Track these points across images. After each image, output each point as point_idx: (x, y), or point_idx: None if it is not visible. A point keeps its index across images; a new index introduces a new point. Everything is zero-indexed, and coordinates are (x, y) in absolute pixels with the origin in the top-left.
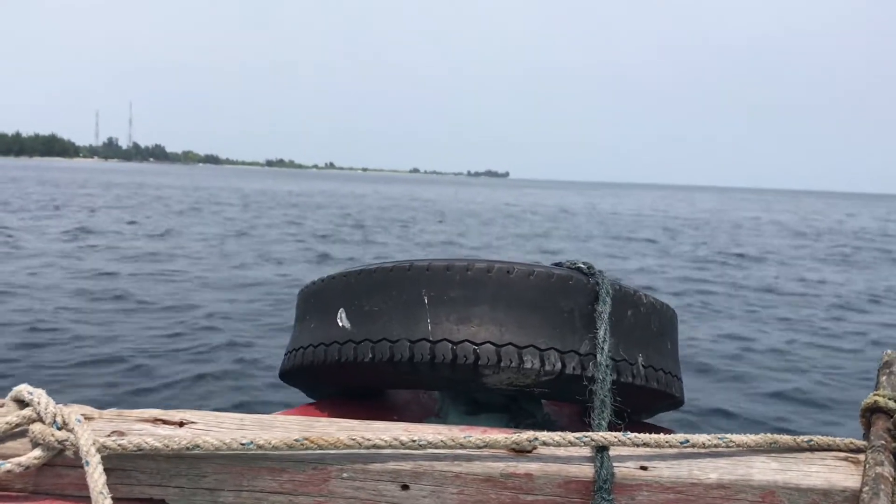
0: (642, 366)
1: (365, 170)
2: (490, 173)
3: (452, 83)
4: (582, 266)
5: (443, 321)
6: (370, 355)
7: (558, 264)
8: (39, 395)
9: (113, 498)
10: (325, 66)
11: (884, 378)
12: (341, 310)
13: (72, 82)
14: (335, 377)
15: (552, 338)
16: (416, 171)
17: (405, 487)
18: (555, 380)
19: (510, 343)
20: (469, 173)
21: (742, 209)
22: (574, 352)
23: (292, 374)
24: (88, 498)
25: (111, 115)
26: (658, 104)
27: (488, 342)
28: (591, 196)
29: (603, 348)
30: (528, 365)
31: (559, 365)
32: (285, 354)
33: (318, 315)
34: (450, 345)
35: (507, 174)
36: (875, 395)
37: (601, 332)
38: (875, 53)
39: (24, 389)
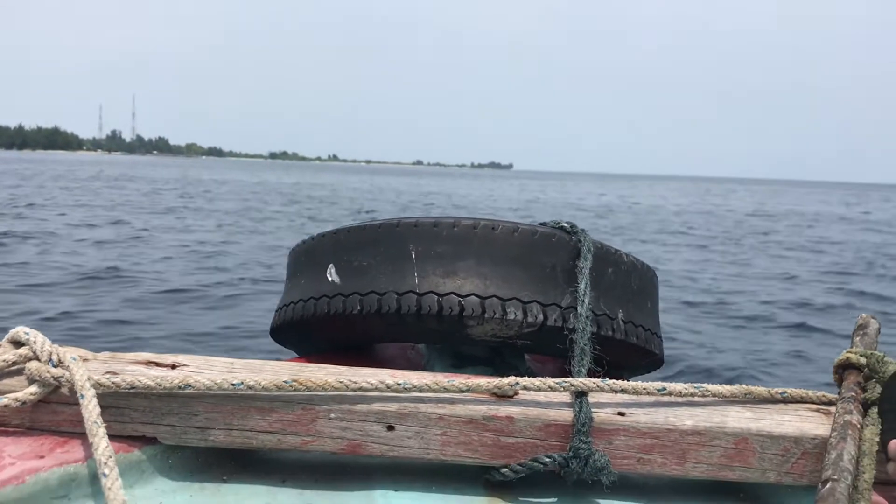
0: (622, 321)
1: (368, 162)
2: (494, 165)
3: (453, 75)
4: (565, 225)
5: (429, 275)
6: (359, 307)
7: (543, 224)
8: (35, 335)
9: (107, 435)
10: (327, 58)
11: (857, 338)
12: (331, 265)
13: (76, 76)
14: (324, 331)
15: (535, 291)
16: (419, 162)
17: (391, 428)
18: (537, 332)
19: (494, 295)
20: (473, 165)
21: (800, 202)
22: (556, 305)
23: (283, 330)
24: (83, 434)
25: (115, 109)
26: (660, 96)
27: (473, 294)
28: (612, 188)
29: (583, 301)
30: (511, 316)
31: (541, 317)
32: (276, 311)
33: (308, 271)
34: (436, 297)
35: (510, 166)
36: (847, 352)
37: (582, 286)
38: None
39: (20, 330)
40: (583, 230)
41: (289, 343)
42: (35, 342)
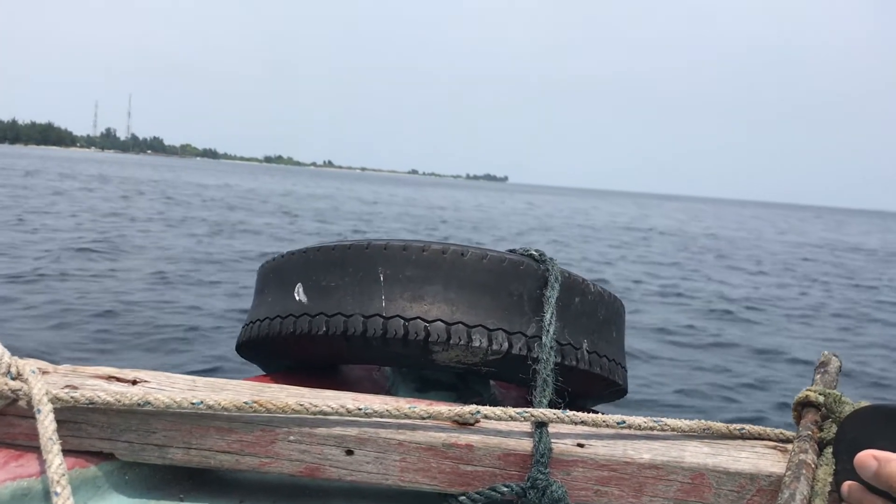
0: (587, 351)
1: (363, 169)
2: (489, 177)
3: (450, 86)
4: (534, 253)
5: (397, 298)
6: (324, 328)
7: (512, 251)
8: None
9: (63, 450)
10: (325, 65)
11: (818, 376)
12: (299, 284)
13: (72, 74)
14: (290, 350)
15: (501, 319)
16: (414, 171)
17: (349, 452)
18: (501, 359)
19: (460, 322)
20: (468, 176)
21: (841, 231)
22: (521, 333)
23: (248, 347)
24: (39, 448)
25: (110, 107)
26: (658, 113)
27: (439, 320)
28: (620, 206)
29: (548, 330)
30: (476, 343)
31: (506, 345)
32: (243, 327)
33: (275, 289)
34: (402, 321)
35: (505, 178)
36: (807, 390)
37: (547, 316)
38: None
39: None
40: (551, 259)
41: (255, 359)
42: None
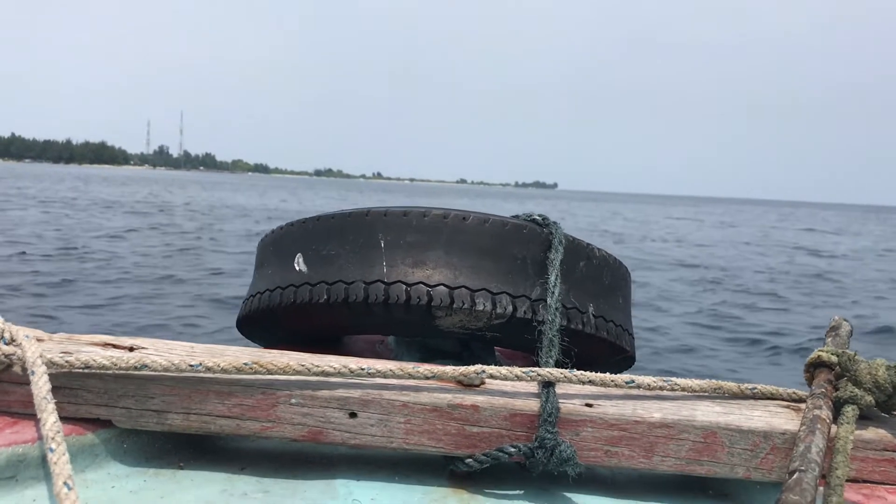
0: (592, 315)
1: (412, 180)
2: (538, 184)
3: (498, 92)
4: (537, 217)
5: (398, 264)
6: (325, 296)
7: (515, 217)
8: None
9: (60, 416)
10: (374, 78)
11: (829, 339)
12: (298, 255)
13: (125, 91)
14: (291, 321)
15: (504, 282)
16: (462, 181)
17: (353, 415)
18: (506, 323)
19: (463, 286)
20: (517, 184)
21: None
22: (525, 296)
23: (249, 321)
24: (34, 415)
25: (163, 125)
26: (706, 117)
27: (442, 284)
28: (699, 213)
29: (553, 292)
30: (479, 307)
31: (510, 308)
32: (243, 302)
33: (275, 261)
34: (404, 286)
35: (555, 185)
36: (819, 350)
37: (552, 278)
38: None
39: None
40: (554, 222)
41: (255, 335)
42: None
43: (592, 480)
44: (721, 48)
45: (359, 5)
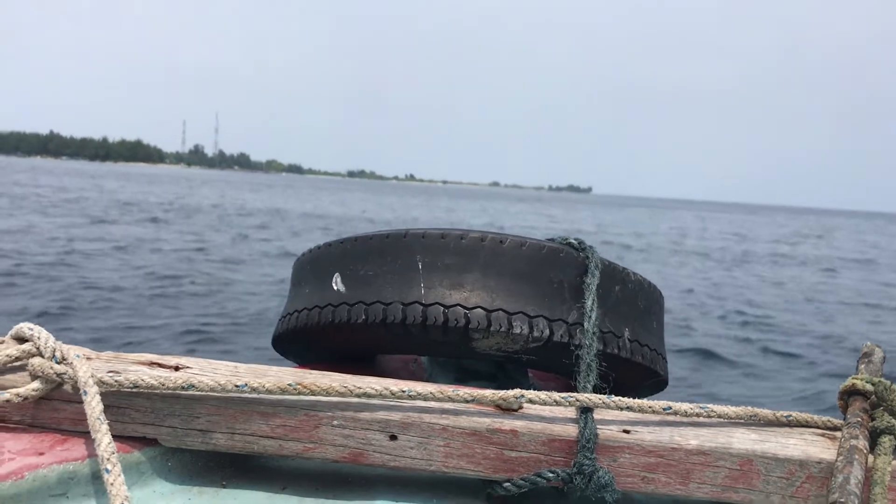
0: (628, 339)
1: (445, 182)
2: (572, 188)
3: (532, 94)
4: (573, 241)
5: (436, 286)
6: (363, 317)
7: (551, 240)
8: (39, 332)
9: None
10: (409, 79)
11: (862, 366)
12: (336, 274)
13: (162, 90)
14: (328, 340)
15: (541, 306)
16: (496, 184)
17: (393, 438)
18: (542, 347)
19: (500, 309)
20: (550, 188)
21: None
22: (562, 320)
23: (285, 339)
24: (84, 433)
25: (198, 124)
26: (764, 118)
27: (479, 307)
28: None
29: (590, 317)
30: (517, 330)
31: (547, 332)
32: (279, 320)
33: (313, 280)
34: (441, 308)
35: (589, 189)
36: (853, 378)
37: (588, 302)
38: None
39: (24, 326)
40: (591, 247)
41: (290, 353)
42: (39, 338)
43: None
44: (748, 50)
45: (395, 8)
